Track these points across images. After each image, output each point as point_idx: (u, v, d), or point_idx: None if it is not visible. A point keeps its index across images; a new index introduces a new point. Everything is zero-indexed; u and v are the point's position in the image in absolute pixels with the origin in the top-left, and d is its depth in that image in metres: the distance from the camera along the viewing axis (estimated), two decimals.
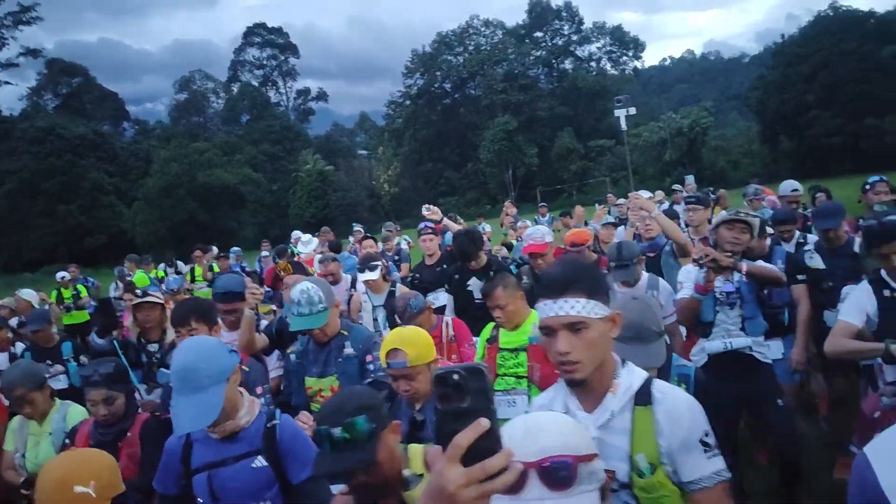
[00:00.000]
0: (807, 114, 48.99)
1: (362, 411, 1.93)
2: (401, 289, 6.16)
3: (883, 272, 3.43)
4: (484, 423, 1.00)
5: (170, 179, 53.55)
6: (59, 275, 13.40)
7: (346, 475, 1.95)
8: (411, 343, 2.96)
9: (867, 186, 6.34)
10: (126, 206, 55.14)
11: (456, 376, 1.03)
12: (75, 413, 3.89)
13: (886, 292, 3.37)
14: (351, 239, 13.59)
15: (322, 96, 76.46)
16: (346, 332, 3.86)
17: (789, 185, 7.55)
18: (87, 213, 53.26)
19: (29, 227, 51.29)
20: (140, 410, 3.60)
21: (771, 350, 4.22)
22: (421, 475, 2.08)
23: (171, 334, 5.07)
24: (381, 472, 1.97)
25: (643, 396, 1.85)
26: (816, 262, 4.87)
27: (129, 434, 3.32)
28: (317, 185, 57.32)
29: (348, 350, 3.78)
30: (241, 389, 2.66)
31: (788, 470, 4.04)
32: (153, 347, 5.16)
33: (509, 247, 9.47)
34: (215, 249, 15.33)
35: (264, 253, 14.79)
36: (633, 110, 12.87)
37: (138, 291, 5.52)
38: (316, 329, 3.75)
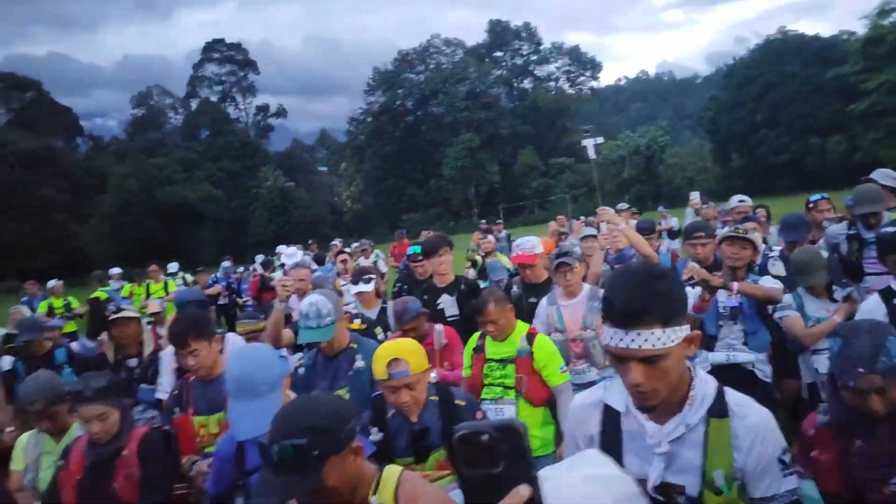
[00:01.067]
0: (756, 133, 50.60)
1: (308, 433, 1.75)
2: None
3: (892, 282, 3.53)
4: (523, 491, 0.86)
5: (127, 196, 52.46)
6: (50, 283, 13.24)
7: (286, 499, 1.79)
8: (410, 352, 2.96)
9: (810, 204, 6.59)
10: (79, 224, 53.79)
11: (485, 437, 0.87)
12: None
13: None
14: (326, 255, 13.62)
15: (281, 113, 75.73)
16: (355, 346, 3.81)
17: (736, 198, 7.91)
18: (37, 230, 51.74)
19: None
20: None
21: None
22: None
23: (148, 348, 5.13)
24: (331, 498, 1.83)
25: (718, 408, 1.73)
26: (778, 269, 4.99)
27: (125, 452, 3.08)
28: (277, 201, 56.70)
29: (359, 363, 3.70)
30: (289, 392, 2.74)
31: None
32: (132, 363, 5.06)
33: (475, 263, 9.44)
34: (175, 265, 15.32)
35: (241, 268, 14.74)
36: (600, 139, 12.92)
37: (111, 307, 5.36)
38: (323, 342, 3.68)
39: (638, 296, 1.58)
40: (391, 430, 3.03)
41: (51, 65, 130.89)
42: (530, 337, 4.04)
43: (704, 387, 1.76)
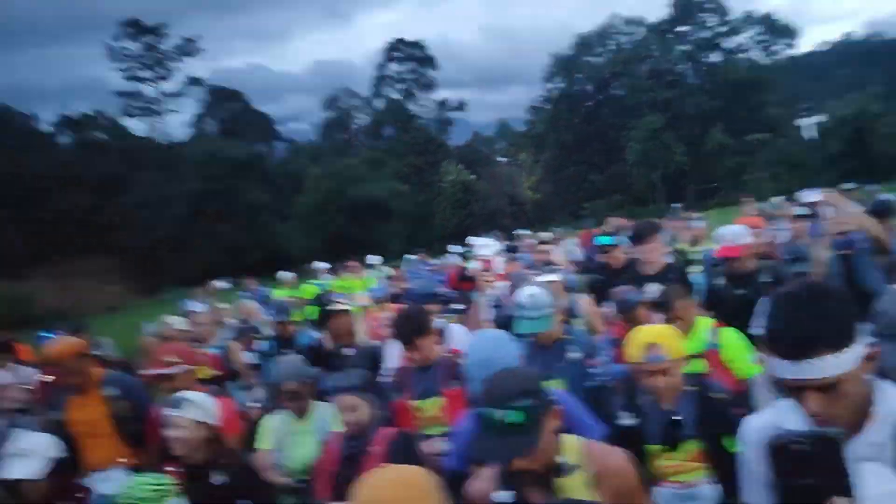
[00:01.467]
0: None
1: (527, 395, 1.89)
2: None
3: None
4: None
5: (322, 196, 56.00)
6: (286, 276, 14.49)
7: (508, 460, 1.91)
8: (667, 338, 3.03)
9: None
10: (280, 223, 58.01)
11: (798, 446, 0.85)
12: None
13: None
14: None
15: (461, 106, 77.33)
16: (569, 337, 3.94)
17: None
18: (244, 231, 56.53)
19: (193, 245, 55.04)
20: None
21: None
22: (577, 465, 2.04)
23: (360, 337, 5.56)
24: (540, 457, 1.93)
25: None
26: None
27: (372, 450, 3.29)
28: (459, 195, 58.07)
29: (573, 354, 3.81)
30: None
31: None
32: (346, 351, 5.41)
33: (680, 252, 9.01)
34: (377, 259, 16.38)
35: (436, 260, 15.42)
36: (821, 117, 11.60)
37: (326, 299, 5.91)
38: (540, 332, 3.80)
39: (803, 324, 1.47)
40: (642, 415, 3.08)
41: (249, 75, 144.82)
42: (715, 331, 4.10)
43: (889, 402, 1.60)
